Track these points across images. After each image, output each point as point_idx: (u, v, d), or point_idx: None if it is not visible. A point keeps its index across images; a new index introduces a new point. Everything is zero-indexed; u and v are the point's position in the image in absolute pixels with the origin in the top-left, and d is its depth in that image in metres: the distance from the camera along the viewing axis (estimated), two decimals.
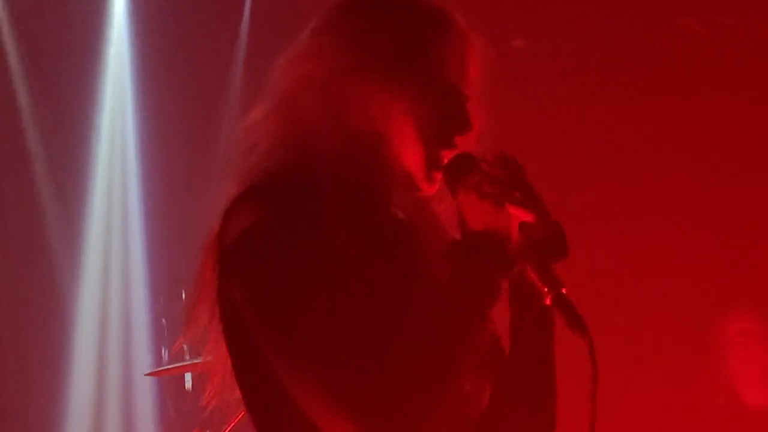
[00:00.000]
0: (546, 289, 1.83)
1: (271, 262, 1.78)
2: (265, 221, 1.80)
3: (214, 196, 2.09)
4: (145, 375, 5.52)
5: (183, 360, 4.66)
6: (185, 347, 5.25)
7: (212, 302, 1.83)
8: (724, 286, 5.45)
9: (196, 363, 3.90)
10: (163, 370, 5.00)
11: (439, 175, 1.92)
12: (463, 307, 1.84)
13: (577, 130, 5.37)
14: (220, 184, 2.08)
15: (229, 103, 6.34)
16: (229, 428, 4.04)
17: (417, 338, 1.76)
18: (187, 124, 6.29)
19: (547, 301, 1.83)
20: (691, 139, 5.89)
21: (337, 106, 1.88)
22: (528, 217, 1.84)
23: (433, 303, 1.83)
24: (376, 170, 1.88)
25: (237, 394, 1.95)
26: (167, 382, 6.14)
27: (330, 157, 1.86)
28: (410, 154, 1.89)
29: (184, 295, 4.04)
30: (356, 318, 1.75)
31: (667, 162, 6.08)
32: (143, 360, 6.30)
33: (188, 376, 5.74)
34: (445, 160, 1.91)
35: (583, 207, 5.49)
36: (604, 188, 5.81)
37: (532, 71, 5.00)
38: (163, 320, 6.44)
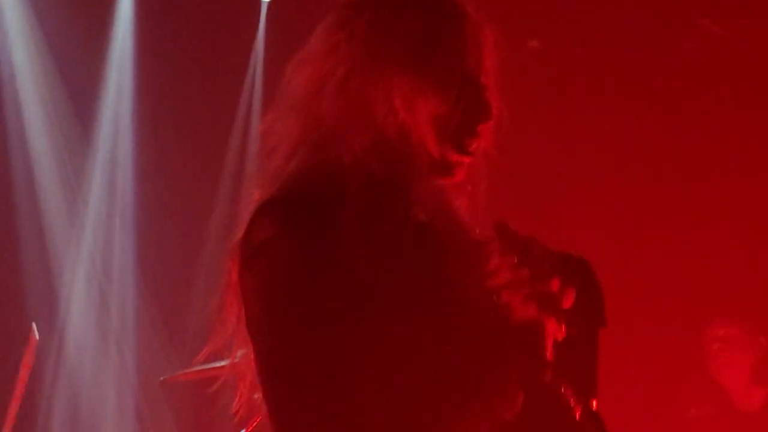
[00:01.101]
0: (574, 402, 1.82)
1: (287, 278, 1.79)
2: (285, 234, 1.80)
3: (242, 198, 2.12)
4: (162, 380, 5.41)
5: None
6: None
7: (238, 306, 1.84)
8: (708, 293, 5.49)
9: (218, 367, 4.20)
10: (184, 374, 4.82)
11: (464, 163, 1.92)
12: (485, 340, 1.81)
13: (591, 132, 5.39)
14: (245, 188, 2.09)
15: (243, 104, 6.35)
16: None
17: (435, 367, 1.77)
18: (185, 124, 6.24)
19: (577, 415, 1.82)
20: (704, 142, 5.80)
21: (356, 102, 1.87)
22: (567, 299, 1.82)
23: (457, 323, 1.82)
24: (402, 162, 1.87)
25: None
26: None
27: (354, 153, 1.86)
28: (435, 144, 1.88)
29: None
30: (367, 343, 1.75)
31: (670, 166, 5.96)
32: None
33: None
34: (470, 148, 1.91)
35: (583, 209, 5.52)
36: (606, 191, 5.78)
37: (547, 72, 4.94)
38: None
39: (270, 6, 6.37)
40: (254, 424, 3.98)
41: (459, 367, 1.81)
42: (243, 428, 4.00)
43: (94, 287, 6.29)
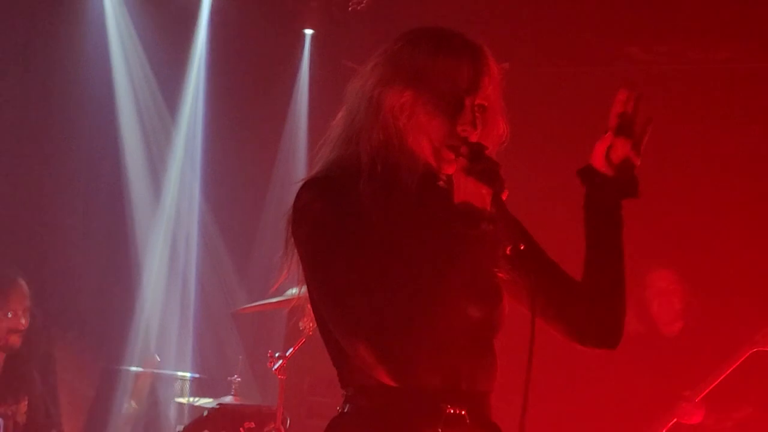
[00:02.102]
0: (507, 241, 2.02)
1: (313, 232, 2.11)
2: (312, 202, 2.12)
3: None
4: (236, 311, 6.02)
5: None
6: None
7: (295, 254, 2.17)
8: (651, 248, 5.59)
9: (281, 300, 4.71)
10: (252, 306, 5.43)
11: (451, 159, 2.09)
12: (440, 256, 2.04)
13: (541, 146, 5.69)
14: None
15: (292, 109, 7.01)
16: (296, 348, 4.75)
17: (408, 273, 2.02)
18: (249, 122, 6.89)
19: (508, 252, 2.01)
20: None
21: (375, 107, 2.12)
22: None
23: (417, 250, 2.06)
24: (401, 157, 2.11)
25: None
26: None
27: (369, 147, 2.13)
28: (428, 144, 2.10)
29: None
30: (363, 264, 2.03)
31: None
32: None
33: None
34: (461, 151, 2.06)
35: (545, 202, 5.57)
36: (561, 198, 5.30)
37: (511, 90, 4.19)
38: None
39: (312, 38, 7.03)
40: (300, 342, 4.73)
41: (421, 264, 2.03)
42: (290, 347, 4.84)
43: (179, 236, 6.71)
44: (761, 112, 6.23)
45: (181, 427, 5.32)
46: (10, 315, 5.10)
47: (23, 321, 5.10)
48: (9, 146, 5.94)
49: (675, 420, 5.38)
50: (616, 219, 2.22)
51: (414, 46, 2.14)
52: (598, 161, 2.14)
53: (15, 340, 5.10)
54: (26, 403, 5.23)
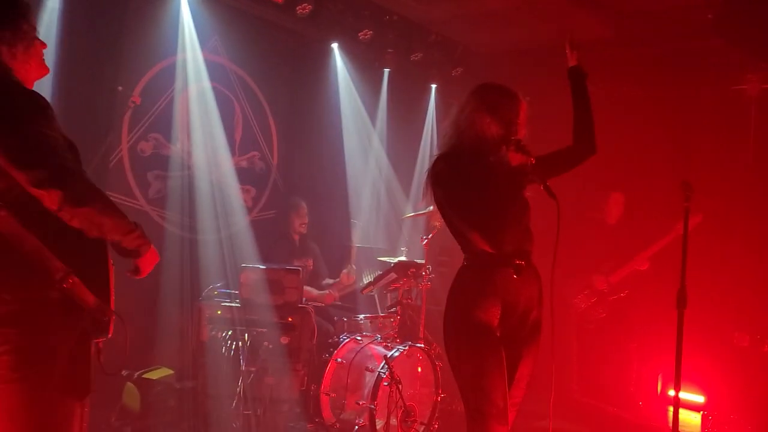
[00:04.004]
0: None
1: (441, 182, 3.28)
2: (441, 167, 3.29)
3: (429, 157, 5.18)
4: (402, 218, 7.83)
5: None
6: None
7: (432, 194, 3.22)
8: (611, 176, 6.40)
9: (424, 212, 6.44)
10: (410, 215, 7.20)
11: (511, 146, 3.20)
12: (502, 194, 2.99)
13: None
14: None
15: (425, 137, 9.24)
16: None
17: (483, 203, 3.08)
18: (408, 142, 9.05)
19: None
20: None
21: (470, 123, 3.36)
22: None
23: (491, 188, 3.00)
24: (484, 144, 3.27)
25: None
26: None
27: (467, 141, 3.31)
28: (497, 139, 3.29)
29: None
30: (468, 196, 3.08)
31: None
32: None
33: None
34: (513, 142, 3.14)
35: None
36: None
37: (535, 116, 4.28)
38: None
39: (436, 90, 9.24)
40: (434, 231, 6.29)
41: (493, 204, 3.01)
42: (430, 233, 6.37)
43: (377, 184, 8.79)
44: None
45: (380, 271, 6.98)
46: (297, 222, 7.26)
47: (305, 224, 7.32)
48: (322, 145, 8.23)
49: (633, 267, 7.01)
50: (584, 87, 3.42)
51: (488, 91, 3.39)
52: (571, 63, 3.50)
53: (303, 230, 7.33)
54: (312, 261, 7.32)
